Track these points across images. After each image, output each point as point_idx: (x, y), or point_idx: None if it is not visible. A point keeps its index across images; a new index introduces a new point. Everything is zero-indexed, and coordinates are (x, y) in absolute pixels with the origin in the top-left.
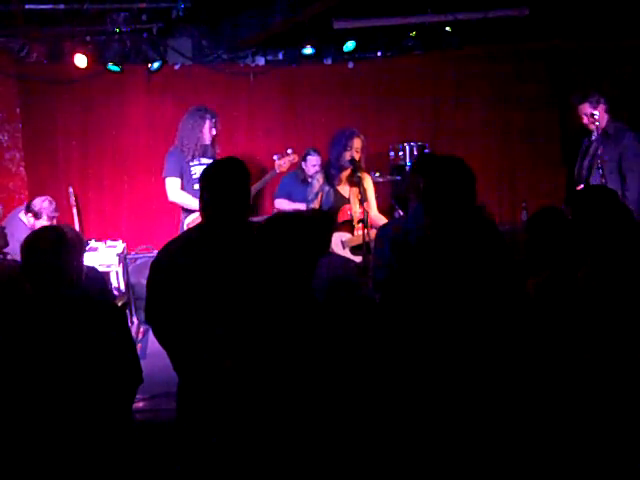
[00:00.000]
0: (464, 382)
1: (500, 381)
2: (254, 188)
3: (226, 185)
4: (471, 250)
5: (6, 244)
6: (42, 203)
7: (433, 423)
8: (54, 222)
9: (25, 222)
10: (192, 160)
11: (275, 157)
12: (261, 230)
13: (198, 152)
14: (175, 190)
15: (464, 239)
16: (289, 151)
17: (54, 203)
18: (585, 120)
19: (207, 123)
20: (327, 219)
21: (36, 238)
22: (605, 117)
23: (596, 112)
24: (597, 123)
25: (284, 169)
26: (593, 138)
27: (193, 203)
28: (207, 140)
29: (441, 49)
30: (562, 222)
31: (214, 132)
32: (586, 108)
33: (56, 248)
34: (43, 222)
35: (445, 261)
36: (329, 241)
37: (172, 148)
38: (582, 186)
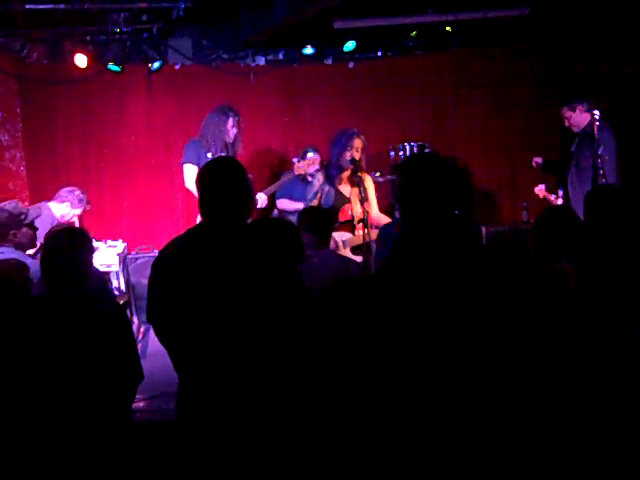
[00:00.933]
0: (455, 378)
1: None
2: (269, 190)
3: (220, 184)
4: (447, 254)
5: (33, 245)
6: (80, 194)
7: (427, 421)
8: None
9: (55, 212)
10: (213, 155)
11: (295, 160)
12: (245, 233)
13: (220, 148)
14: (192, 177)
15: (438, 240)
16: (309, 155)
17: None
18: (566, 123)
19: (230, 120)
20: (327, 216)
21: (56, 238)
22: (583, 118)
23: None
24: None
25: (302, 172)
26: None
27: None
28: (230, 138)
29: (442, 49)
30: (572, 221)
31: (235, 130)
32: (564, 112)
33: (75, 247)
34: (77, 212)
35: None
36: (328, 238)
37: (193, 138)
38: (560, 193)
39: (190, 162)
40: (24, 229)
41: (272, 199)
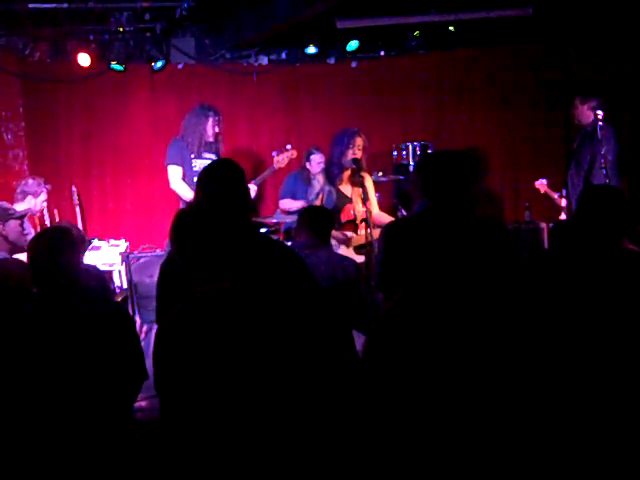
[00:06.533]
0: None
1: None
2: (257, 180)
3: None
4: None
5: (22, 243)
6: (32, 181)
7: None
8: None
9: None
10: (195, 155)
11: (274, 153)
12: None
13: (202, 148)
14: (177, 178)
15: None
16: (288, 147)
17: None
18: (572, 111)
19: (210, 120)
20: (326, 215)
21: (41, 238)
22: (587, 115)
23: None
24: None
25: (282, 165)
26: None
27: (191, 195)
28: (210, 137)
29: (444, 49)
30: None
31: (217, 130)
32: (575, 100)
33: (61, 247)
34: (43, 198)
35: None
36: (328, 237)
37: (175, 138)
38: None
39: (175, 163)
40: (11, 222)
41: (257, 198)
